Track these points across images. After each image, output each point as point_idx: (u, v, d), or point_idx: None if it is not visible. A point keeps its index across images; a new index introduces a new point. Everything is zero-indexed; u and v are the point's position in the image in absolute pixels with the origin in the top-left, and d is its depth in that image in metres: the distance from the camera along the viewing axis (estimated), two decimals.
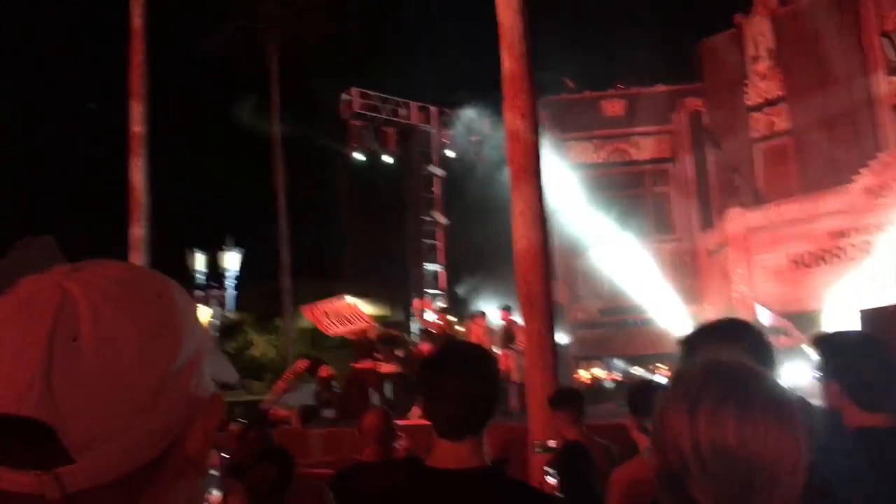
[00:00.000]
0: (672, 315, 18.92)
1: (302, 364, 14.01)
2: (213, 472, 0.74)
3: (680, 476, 1.05)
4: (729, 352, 1.17)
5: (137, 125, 12.48)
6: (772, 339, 9.15)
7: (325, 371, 14.06)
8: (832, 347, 2.34)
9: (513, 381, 11.74)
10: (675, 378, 1.15)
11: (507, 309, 12.74)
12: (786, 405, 1.05)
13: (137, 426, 0.61)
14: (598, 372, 18.74)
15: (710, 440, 1.03)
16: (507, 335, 12.51)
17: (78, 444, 0.58)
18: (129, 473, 0.61)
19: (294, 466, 3.53)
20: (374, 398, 12.32)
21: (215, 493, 0.73)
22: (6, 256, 24.21)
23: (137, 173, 12.32)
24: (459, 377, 1.91)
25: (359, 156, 20.61)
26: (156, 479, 0.65)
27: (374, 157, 20.88)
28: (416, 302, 13.64)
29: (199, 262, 17.14)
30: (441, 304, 17.93)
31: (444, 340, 11.01)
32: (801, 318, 15.41)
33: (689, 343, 1.90)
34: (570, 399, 4.26)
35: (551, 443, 4.02)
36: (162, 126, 13.70)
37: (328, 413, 14.09)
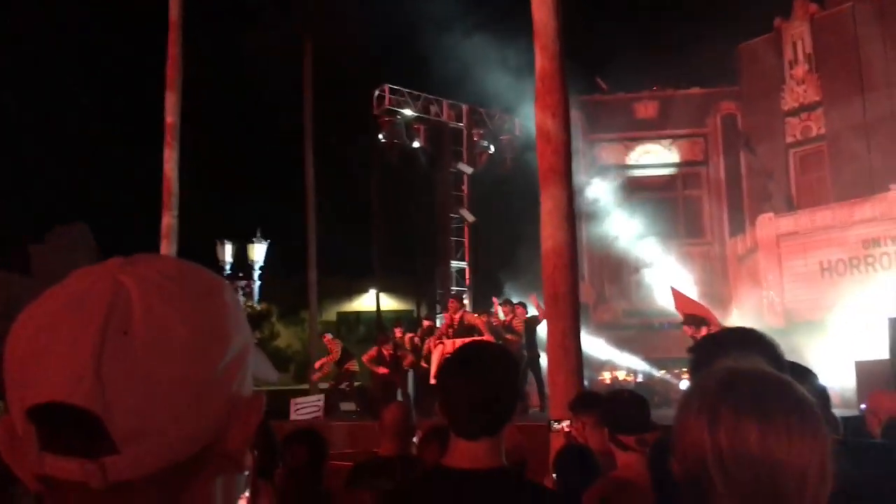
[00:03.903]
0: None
1: (352, 365, 14.21)
2: (245, 472, 0.75)
3: (703, 489, 1.01)
4: (744, 361, 1.13)
5: (171, 116, 12.60)
6: (689, 329, 8.53)
7: (352, 365, 14.26)
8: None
9: None
10: (693, 388, 1.10)
11: (506, 303, 12.54)
12: (808, 412, 1.02)
13: (182, 421, 0.62)
14: (622, 375, 18.59)
15: (733, 451, 0.99)
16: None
17: (123, 436, 0.59)
18: (172, 467, 0.62)
19: (327, 448, 3.54)
20: (399, 395, 12.36)
21: (244, 494, 0.75)
22: (43, 243, 24.68)
23: (170, 163, 12.45)
24: (472, 377, 1.90)
25: (388, 151, 20.66)
26: (196, 474, 0.66)
27: (403, 154, 20.91)
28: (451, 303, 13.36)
29: (228, 252, 17.28)
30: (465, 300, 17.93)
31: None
32: (827, 326, 15.20)
33: (699, 353, 1.87)
34: (593, 403, 4.11)
35: (565, 425, 3.95)
36: (196, 118, 13.83)
37: (346, 406, 14.24)
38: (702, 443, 1.01)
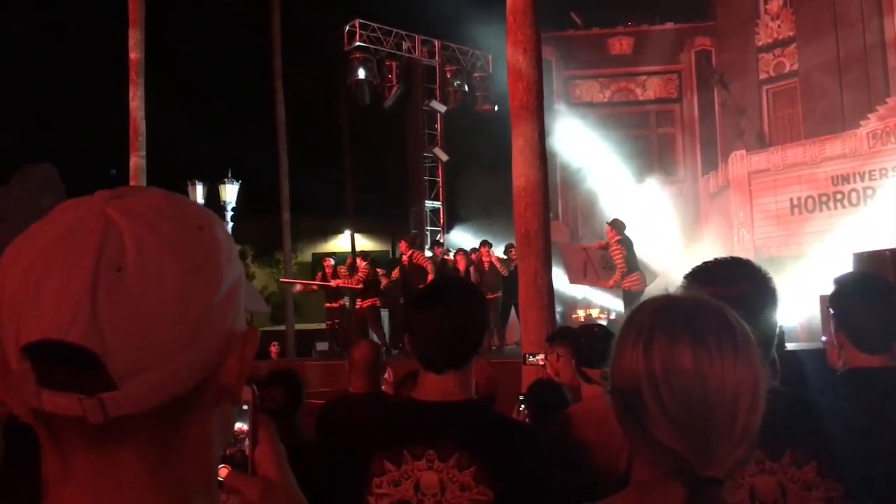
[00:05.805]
0: (672, 257, 18.93)
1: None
2: (244, 406, 0.75)
3: (639, 416, 1.03)
4: (727, 289, 1.14)
5: (135, 52, 12.29)
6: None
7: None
8: (835, 289, 2.37)
9: None
10: (630, 318, 1.12)
11: (484, 244, 12.78)
12: (741, 338, 1.04)
13: (178, 357, 0.63)
14: (595, 312, 18.84)
15: (667, 376, 1.01)
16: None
17: (121, 372, 0.60)
18: (169, 401, 0.63)
19: (303, 389, 3.54)
20: (372, 334, 12.47)
21: (242, 426, 0.78)
22: (8, 183, 24.18)
23: (136, 101, 12.20)
24: (438, 312, 1.93)
25: (360, 89, 20.31)
26: (193, 408, 0.67)
27: (375, 91, 20.58)
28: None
29: (199, 193, 17.03)
30: (439, 240, 17.98)
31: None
32: (796, 262, 15.44)
33: (690, 281, 1.89)
34: (568, 335, 4.14)
35: (540, 358, 4.03)
36: (164, 56, 13.47)
37: (321, 346, 14.30)
38: (636, 369, 1.03)
